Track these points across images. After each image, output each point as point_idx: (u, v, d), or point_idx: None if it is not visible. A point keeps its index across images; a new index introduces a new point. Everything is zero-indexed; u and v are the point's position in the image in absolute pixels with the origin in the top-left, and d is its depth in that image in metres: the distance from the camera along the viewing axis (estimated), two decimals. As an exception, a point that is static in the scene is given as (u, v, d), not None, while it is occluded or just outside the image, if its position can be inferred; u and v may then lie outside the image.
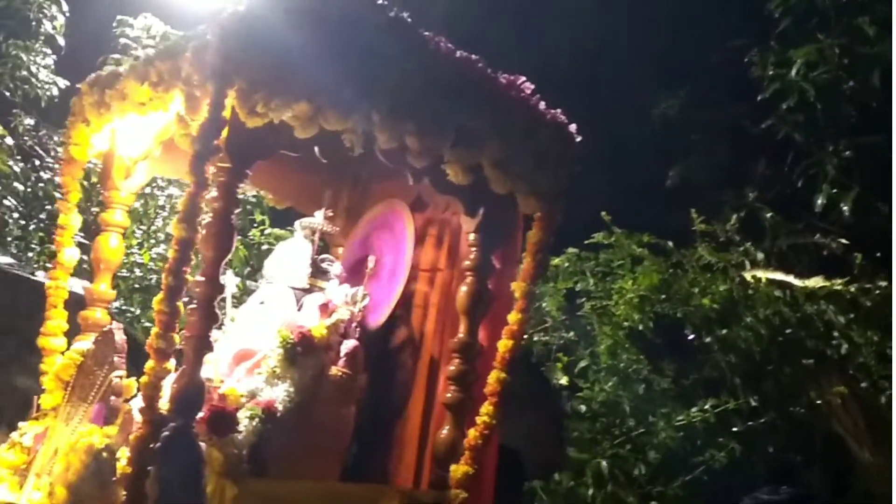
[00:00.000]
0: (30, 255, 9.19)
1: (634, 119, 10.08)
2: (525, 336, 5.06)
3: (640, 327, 8.44)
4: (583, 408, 8.43)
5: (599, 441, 8.30)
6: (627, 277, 8.64)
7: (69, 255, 5.10)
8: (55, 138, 9.81)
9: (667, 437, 8.07)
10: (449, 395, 4.64)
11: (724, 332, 8.26)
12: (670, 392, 8.35)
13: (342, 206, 5.62)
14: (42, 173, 9.61)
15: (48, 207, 9.51)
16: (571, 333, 8.84)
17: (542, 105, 4.75)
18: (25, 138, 9.65)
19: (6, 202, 9.18)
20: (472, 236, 4.72)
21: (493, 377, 4.71)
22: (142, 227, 9.11)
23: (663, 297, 8.44)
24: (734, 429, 8.08)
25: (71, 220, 5.14)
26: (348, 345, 4.68)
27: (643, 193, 9.16)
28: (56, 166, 9.64)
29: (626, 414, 8.33)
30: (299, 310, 4.89)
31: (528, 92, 4.69)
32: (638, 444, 8.26)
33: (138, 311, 8.81)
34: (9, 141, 9.31)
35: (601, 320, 8.65)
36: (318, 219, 5.17)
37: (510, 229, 4.97)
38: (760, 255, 8.37)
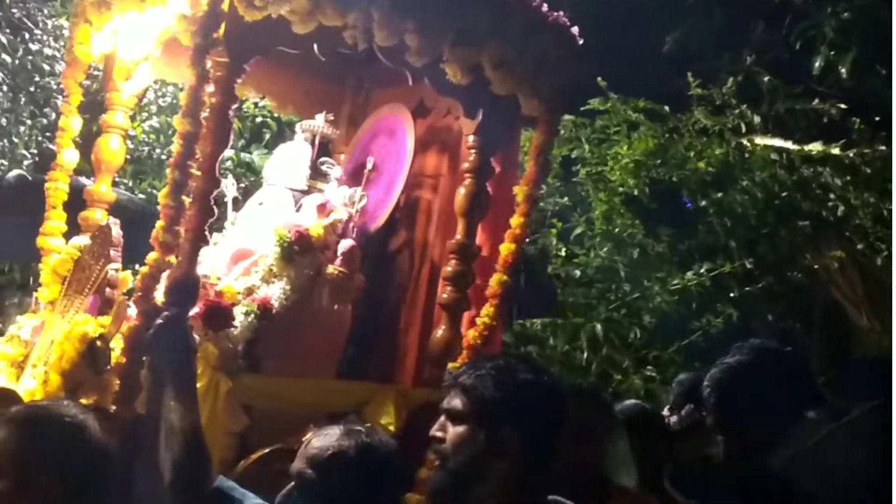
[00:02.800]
0: (20, 128, 9.17)
1: None
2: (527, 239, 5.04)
3: (636, 192, 8.46)
4: (577, 273, 8.44)
5: (594, 306, 8.35)
6: (623, 143, 8.63)
7: (69, 156, 5.08)
8: (44, 10, 9.70)
9: (662, 302, 8.14)
10: (445, 295, 4.62)
11: (720, 195, 8.29)
12: (665, 257, 8.39)
13: (344, 113, 5.58)
14: (31, 45, 9.50)
15: (37, 80, 9.43)
16: (566, 199, 8.81)
17: (545, 7, 4.70)
18: (14, 10, 9.55)
19: None
20: (471, 138, 4.68)
21: (495, 280, 4.70)
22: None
23: (659, 161, 8.45)
24: (731, 294, 8.13)
25: (71, 123, 5.11)
26: (345, 244, 4.67)
27: (639, 58, 8.99)
28: (45, 38, 9.55)
29: (621, 279, 8.36)
30: (298, 211, 4.88)
31: (530, -7, 4.66)
32: (633, 308, 8.31)
33: (130, 183, 8.89)
34: None
35: (596, 186, 8.66)
36: (318, 121, 5.14)
37: (510, 132, 4.95)
38: (757, 119, 8.35)
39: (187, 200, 3.89)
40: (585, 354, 7.93)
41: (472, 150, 4.67)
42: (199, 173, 3.92)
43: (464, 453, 2.71)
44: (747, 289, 8.14)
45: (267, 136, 9.33)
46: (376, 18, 4.17)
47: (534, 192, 4.81)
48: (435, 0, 4.33)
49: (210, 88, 3.93)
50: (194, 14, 3.95)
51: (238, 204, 5.10)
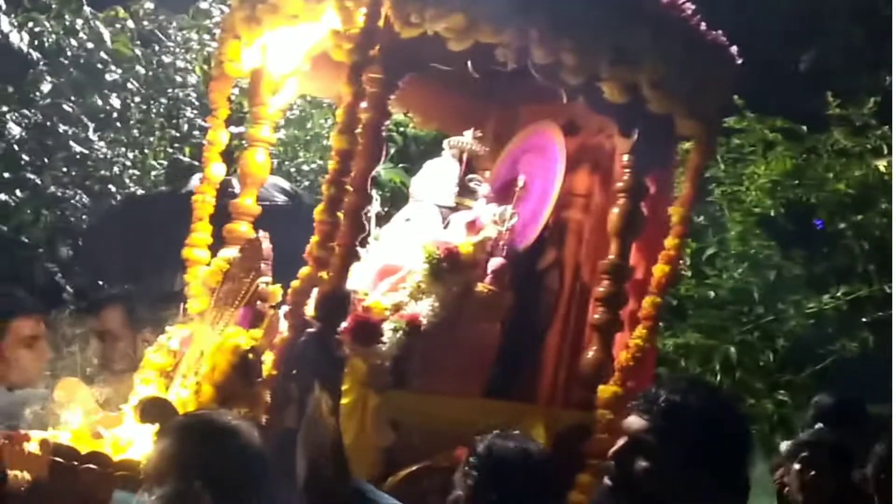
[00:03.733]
0: (151, 139, 9.31)
1: (768, 1, 9.73)
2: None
3: (772, 213, 8.33)
4: (710, 294, 8.31)
5: (727, 328, 8.19)
6: (759, 163, 8.50)
7: (216, 170, 5.12)
8: (174, 23, 9.89)
9: (797, 325, 8.01)
10: (597, 315, 4.57)
11: (859, 217, 8.15)
12: (801, 279, 8.24)
13: (490, 129, 5.52)
14: (163, 57, 9.68)
15: (169, 91, 9.63)
16: (701, 219, 8.61)
17: (703, 26, 4.64)
18: (145, 23, 9.72)
19: (129, 85, 9.27)
20: (625, 157, 4.62)
21: (648, 301, 4.66)
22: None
23: (796, 182, 8.33)
24: (865, 319, 7.97)
25: (219, 136, 5.15)
26: (495, 262, 4.64)
27: (777, 77, 8.92)
28: (176, 50, 9.77)
29: (755, 301, 8.22)
30: (445, 228, 4.87)
31: (689, 12, 4.59)
32: (767, 331, 8.16)
33: None
34: (130, 24, 9.42)
35: (731, 206, 8.55)
36: (467, 138, 5.13)
37: (665, 151, 4.87)
38: None
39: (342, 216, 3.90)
40: (718, 377, 7.79)
41: (627, 170, 4.62)
42: (351, 189, 3.93)
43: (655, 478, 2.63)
44: (881, 314, 7.94)
45: (392, 151, 9.35)
46: (534, 37, 4.15)
47: (689, 212, 4.77)
48: (593, 18, 4.28)
49: (363, 105, 3.95)
50: (347, 30, 3.97)
51: (380, 219, 5.11)
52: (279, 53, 4.96)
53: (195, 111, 9.48)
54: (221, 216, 5.09)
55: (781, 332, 8.06)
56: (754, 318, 8.22)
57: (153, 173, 9.42)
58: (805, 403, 7.33)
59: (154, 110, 9.53)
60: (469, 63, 4.54)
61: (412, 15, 3.94)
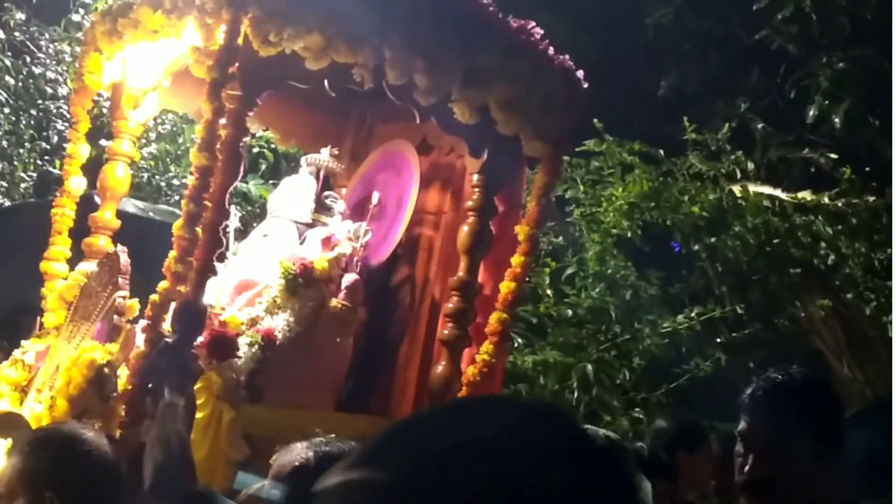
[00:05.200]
0: (20, 151, 9.20)
1: (628, 26, 9.92)
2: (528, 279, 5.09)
3: (629, 234, 8.48)
4: (569, 313, 8.44)
5: (585, 346, 8.35)
6: (617, 185, 8.65)
7: (76, 183, 5.13)
8: (46, 35, 9.78)
9: (652, 344, 8.17)
10: (446, 331, 4.69)
11: (713, 240, 8.34)
12: (657, 299, 8.41)
13: (347, 147, 5.63)
14: (34, 68, 9.58)
15: (39, 103, 9.52)
16: (560, 239, 8.82)
17: (551, 50, 4.79)
18: (16, 33, 9.61)
19: None
20: (475, 177, 4.76)
21: (495, 318, 4.76)
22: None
23: (653, 204, 8.49)
24: (718, 339, 8.17)
25: (79, 150, 5.17)
26: (349, 278, 4.74)
27: (635, 101, 9.10)
28: (47, 61, 9.66)
29: (612, 320, 8.38)
30: (302, 243, 4.94)
31: (538, 37, 4.73)
32: (623, 350, 8.34)
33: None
34: (0, 35, 9.32)
35: (590, 227, 8.71)
36: (324, 155, 5.21)
37: (514, 172, 5.02)
38: (751, 166, 8.45)
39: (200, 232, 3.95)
40: (576, 394, 7.93)
41: (476, 189, 4.75)
42: (209, 204, 3.98)
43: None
44: (735, 334, 8.20)
45: (263, 167, 9.38)
46: (388, 57, 4.25)
47: (535, 231, 4.88)
48: (445, 41, 4.39)
49: (222, 121, 4.01)
50: (207, 47, 4.02)
51: (239, 234, 5.16)
52: (140, 68, 4.99)
53: (66, 124, 9.38)
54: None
55: (637, 350, 8.23)
56: (611, 337, 8.39)
57: (22, 185, 9.29)
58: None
59: (24, 122, 9.41)
60: (326, 82, 4.64)
61: (271, 34, 4.00)
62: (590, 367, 8.03)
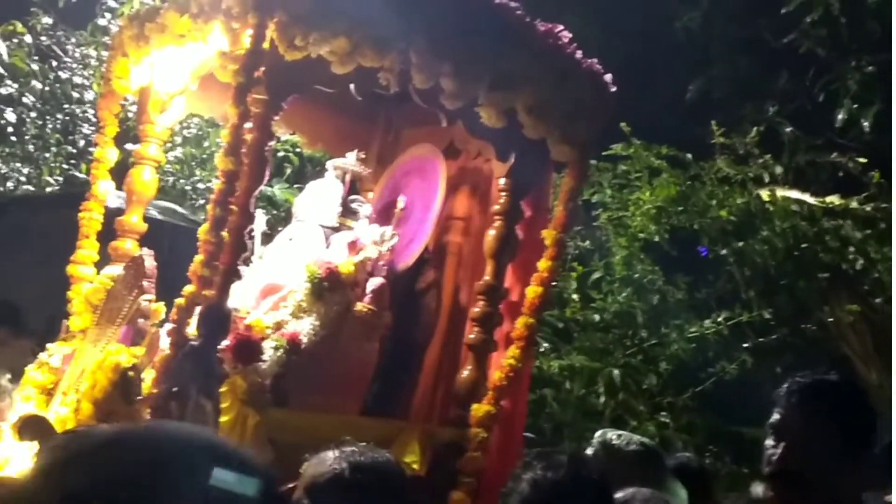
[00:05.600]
0: (46, 155, 9.25)
1: (657, 30, 9.92)
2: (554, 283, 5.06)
3: (656, 239, 8.49)
4: (596, 317, 8.43)
5: (612, 351, 8.34)
6: (645, 189, 8.64)
7: (103, 187, 5.14)
8: (73, 39, 9.86)
9: (679, 349, 8.16)
10: (472, 335, 4.67)
11: (741, 244, 8.32)
12: (684, 304, 8.40)
13: (374, 151, 5.62)
14: (60, 73, 9.64)
15: (65, 107, 9.60)
16: (587, 243, 8.82)
17: (579, 54, 4.77)
18: (43, 38, 9.68)
19: (24, 100, 9.24)
20: (502, 181, 4.75)
21: (521, 322, 4.74)
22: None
23: (680, 209, 8.49)
24: (746, 344, 8.14)
25: (107, 154, 5.18)
26: (374, 282, 4.71)
27: (663, 105, 9.09)
28: (73, 66, 9.73)
29: (638, 325, 8.38)
30: (327, 247, 4.93)
31: (565, 40, 4.71)
32: (650, 354, 8.34)
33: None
34: (27, 39, 9.38)
35: (617, 231, 8.70)
36: (350, 159, 5.20)
37: (541, 176, 5.00)
38: (779, 169, 8.40)
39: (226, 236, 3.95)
40: (602, 399, 7.92)
41: (503, 193, 4.74)
42: (235, 208, 3.98)
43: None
44: (762, 339, 8.17)
45: (288, 171, 9.40)
46: (414, 61, 4.24)
47: (562, 236, 4.85)
48: (472, 44, 4.38)
49: (248, 125, 4.01)
50: (233, 51, 4.03)
51: (265, 238, 5.15)
52: (167, 72, 5.00)
53: (92, 128, 9.43)
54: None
55: (664, 355, 8.22)
56: (638, 342, 8.39)
57: (48, 189, 9.34)
58: (685, 426, 7.54)
59: (50, 126, 9.47)
60: (352, 86, 4.63)
61: (297, 38, 4.00)
62: (616, 371, 8.03)
